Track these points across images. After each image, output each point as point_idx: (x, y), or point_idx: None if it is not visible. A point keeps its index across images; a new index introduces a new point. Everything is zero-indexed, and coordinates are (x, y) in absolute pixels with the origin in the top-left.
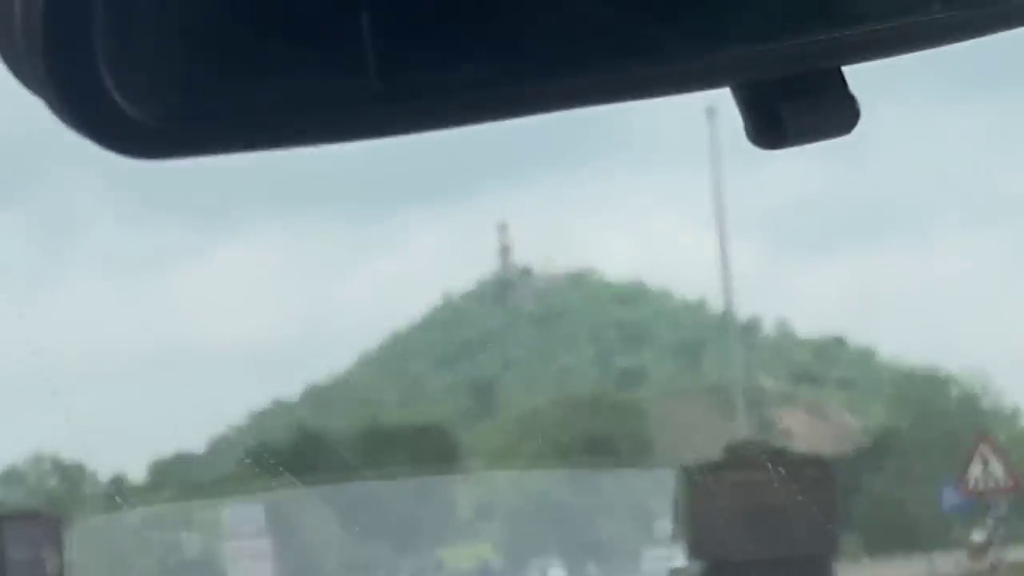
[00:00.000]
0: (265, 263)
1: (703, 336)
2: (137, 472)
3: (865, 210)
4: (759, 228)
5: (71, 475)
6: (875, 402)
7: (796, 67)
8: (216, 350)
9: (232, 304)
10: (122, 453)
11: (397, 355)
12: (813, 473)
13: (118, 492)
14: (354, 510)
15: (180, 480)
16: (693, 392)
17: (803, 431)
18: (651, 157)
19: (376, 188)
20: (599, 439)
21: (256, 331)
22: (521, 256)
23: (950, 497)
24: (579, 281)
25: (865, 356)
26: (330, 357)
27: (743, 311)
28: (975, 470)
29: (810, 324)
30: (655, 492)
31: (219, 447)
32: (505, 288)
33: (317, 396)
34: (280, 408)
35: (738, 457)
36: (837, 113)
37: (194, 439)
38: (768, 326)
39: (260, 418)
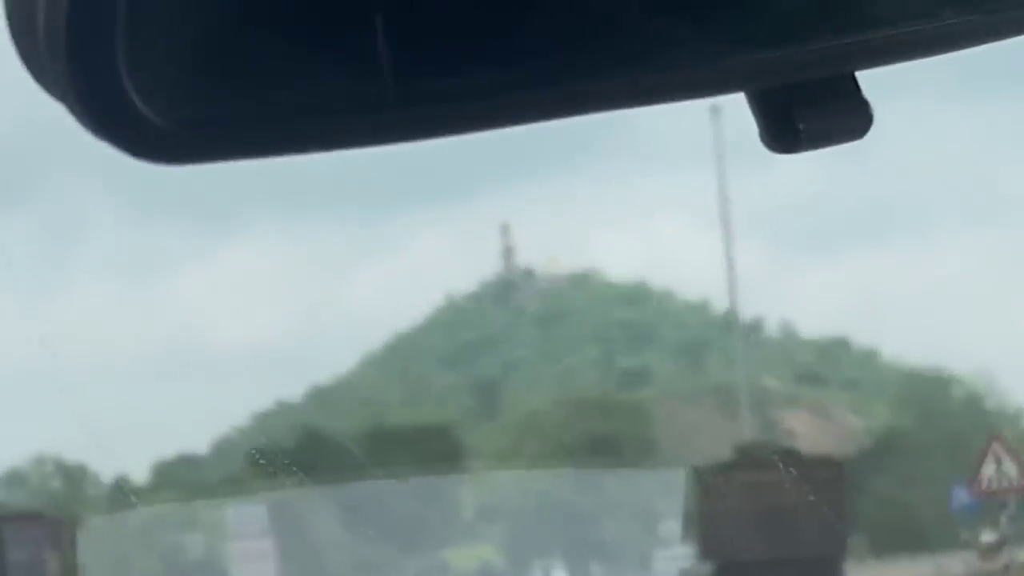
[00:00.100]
0: (268, 264)
1: (707, 337)
2: (140, 473)
3: (868, 210)
4: (761, 229)
5: (74, 476)
6: (879, 403)
7: (810, 72)
8: (219, 350)
9: (235, 305)
10: (125, 454)
11: (400, 356)
12: (823, 473)
13: (121, 493)
14: (357, 510)
15: (184, 481)
16: (697, 393)
17: (807, 431)
18: (655, 157)
19: (379, 189)
20: (603, 439)
21: (258, 332)
22: (524, 257)
23: (960, 497)
24: (582, 282)
25: (869, 357)
26: (333, 358)
27: (746, 311)
28: (988, 469)
29: (813, 325)
30: (660, 493)
31: (223, 448)
32: (508, 289)
33: (320, 397)
34: (283, 409)
35: (748, 457)
36: (851, 118)
37: (197, 440)
38: (771, 327)
39: (264, 419)
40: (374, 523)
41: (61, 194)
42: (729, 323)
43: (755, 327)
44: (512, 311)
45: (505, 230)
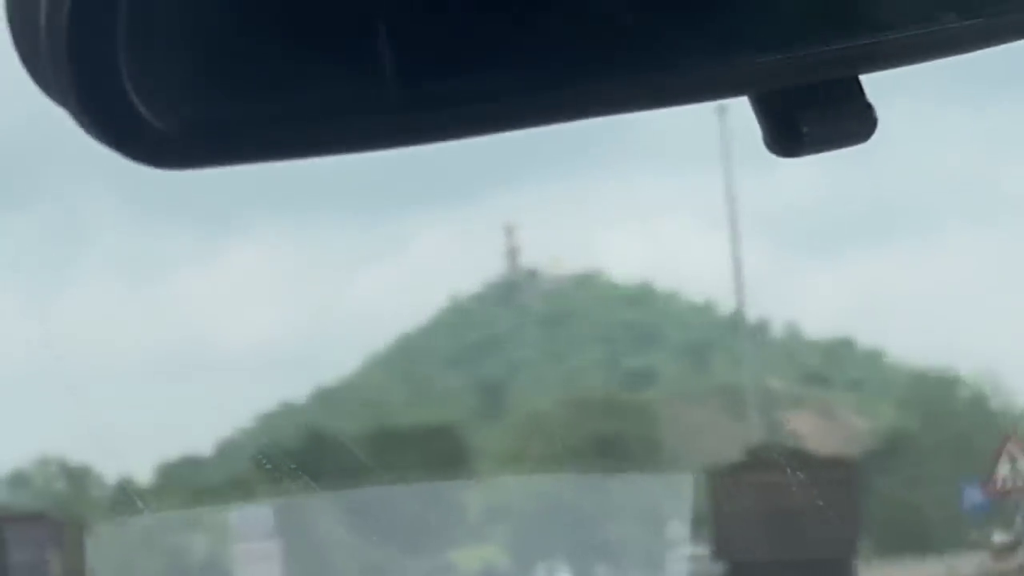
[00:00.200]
0: (271, 265)
1: (712, 338)
2: (145, 474)
3: (873, 211)
4: (765, 229)
5: (78, 477)
6: (885, 403)
7: (813, 76)
8: (222, 352)
9: (238, 306)
10: (129, 455)
11: (404, 357)
12: (834, 474)
13: (125, 495)
14: (362, 512)
15: (188, 483)
16: (702, 393)
17: (813, 432)
18: (660, 157)
19: (382, 190)
20: (609, 440)
21: (261, 333)
22: (528, 258)
23: (972, 497)
24: (587, 282)
25: (874, 357)
26: (337, 359)
27: (751, 312)
28: (1003, 469)
29: (819, 326)
30: (669, 494)
31: (227, 449)
32: (513, 289)
33: (325, 398)
34: (288, 410)
35: (758, 458)
36: (855, 121)
37: (202, 441)
38: (776, 327)
39: (268, 420)
40: (379, 525)
41: (63, 194)
42: (734, 324)
43: (760, 328)
44: (516, 312)
45: (509, 231)
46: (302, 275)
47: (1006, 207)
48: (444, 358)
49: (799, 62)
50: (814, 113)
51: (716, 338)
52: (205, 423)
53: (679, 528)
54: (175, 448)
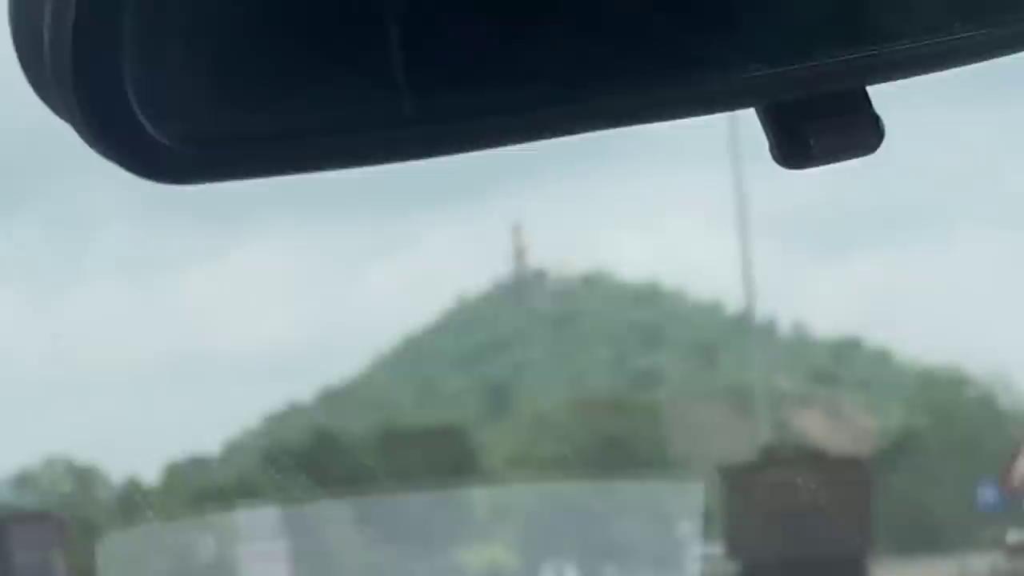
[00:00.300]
0: (278, 266)
1: (719, 337)
2: (152, 475)
3: (882, 211)
4: (773, 229)
5: (84, 478)
6: (894, 403)
7: (821, 87)
8: (229, 353)
9: (245, 307)
10: (136, 456)
11: (411, 358)
12: (847, 474)
13: (132, 495)
14: (368, 512)
15: (194, 483)
16: (710, 393)
17: (822, 432)
18: (668, 157)
19: (389, 190)
20: (617, 440)
21: (269, 334)
22: (536, 258)
23: (986, 496)
24: (594, 282)
25: (883, 357)
26: (344, 360)
27: (759, 312)
28: (1022, 467)
29: (827, 325)
30: (677, 495)
31: (233, 450)
32: (520, 290)
33: (332, 399)
34: (295, 411)
35: (771, 458)
36: (862, 133)
37: (208, 442)
38: (784, 327)
39: (275, 421)
40: (385, 526)
41: (69, 196)
42: (742, 324)
43: (767, 327)
44: (524, 312)
45: (517, 231)
46: (308, 275)
47: (1016, 208)
48: (451, 359)
49: (806, 74)
50: (821, 125)
51: (724, 338)
52: (212, 424)
53: (690, 528)
54: (182, 448)
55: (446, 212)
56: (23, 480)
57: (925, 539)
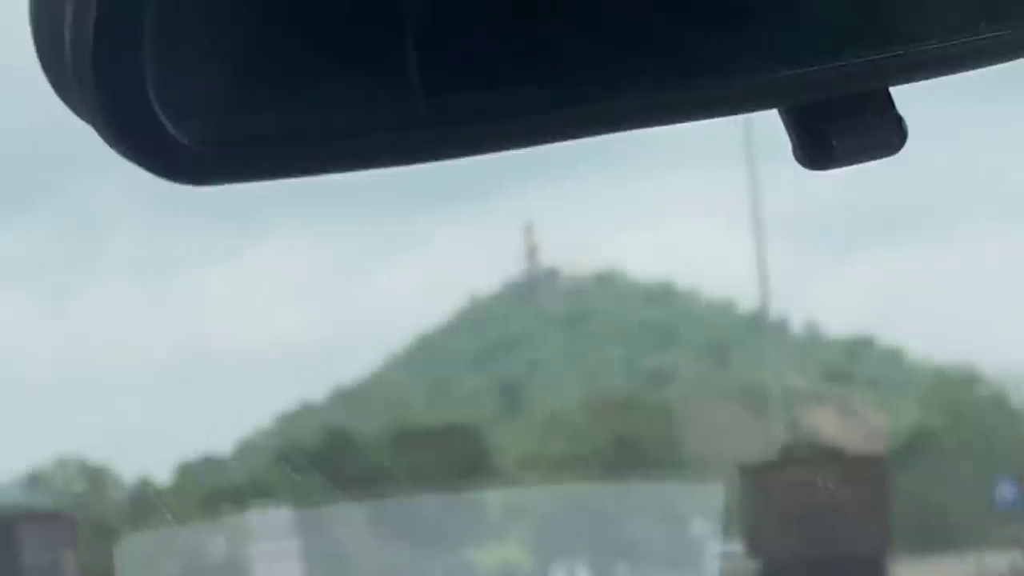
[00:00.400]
0: (290, 265)
1: (732, 336)
2: (164, 475)
3: (894, 209)
4: (785, 228)
5: (97, 478)
6: (907, 401)
7: (844, 88)
8: (242, 352)
9: (258, 307)
10: (148, 455)
11: (424, 357)
12: (865, 472)
13: (145, 495)
14: (382, 511)
15: (206, 483)
16: (722, 392)
17: (836, 431)
18: (680, 155)
19: (402, 189)
20: (631, 439)
21: (282, 334)
22: (548, 257)
23: (1005, 493)
24: (606, 281)
25: (895, 356)
26: (357, 360)
27: (772, 311)
28: None
29: (839, 324)
30: (695, 494)
31: (246, 449)
32: (532, 289)
33: (344, 398)
34: (308, 410)
35: (789, 457)
36: (885, 133)
37: (220, 441)
38: (797, 326)
39: (287, 420)
40: (399, 524)
41: (83, 197)
42: (754, 322)
43: (779, 326)
44: (536, 311)
45: (529, 230)
46: (321, 275)
47: None
48: (464, 358)
49: (829, 74)
50: (844, 125)
51: (736, 337)
52: (224, 423)
53: (709, 527)
54: (194, 448)
55: (458, 212)
56: (35, 480)
57: (942, 537)
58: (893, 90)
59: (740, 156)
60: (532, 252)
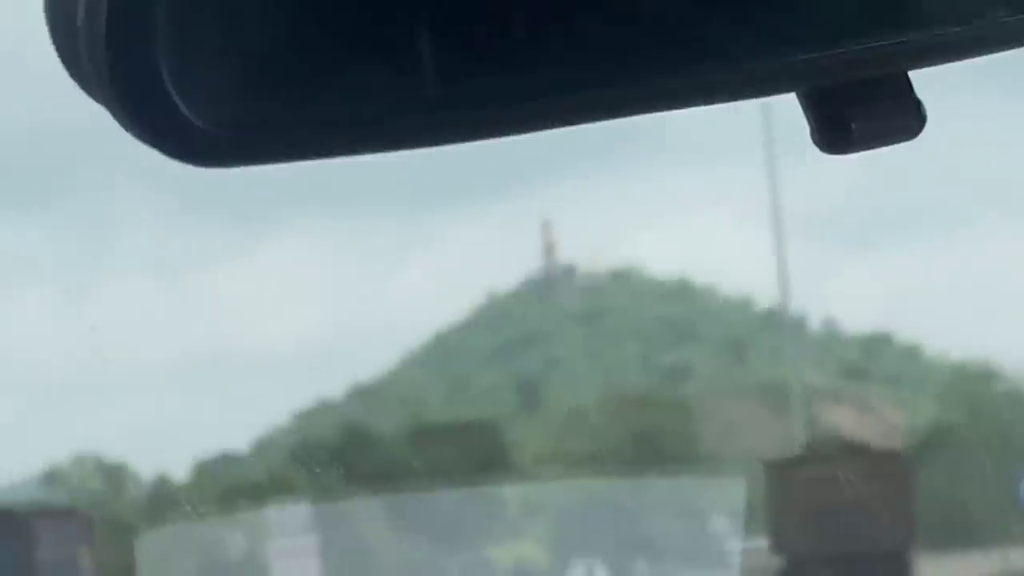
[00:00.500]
0: (306, 263)
1: (750, 333)
2: (181, 472)
3: (912, 205)
4: (802, 224)
5: (114, 475)
6: (926, 398)
7: (862, 72)
8: (259, 349)
9: (274, 304)
10: (166, 453)
11: (441, 354)
12: (888, 468)
13: (162, 492)
14: (400, 508)
15: (224, 480)
16: (741, 389)
17: (855, 428)
18: (698, 150)
19: (418, 186)
20: (648, 436)
21: (299, 330)
22: (565, 253)
23: None
24: (624, 278)
25: (913, 352)
26: (374, 356)
27: (790, 307)
28: None
29: (857, 321)
30: (715, 490)
31: (263, 446)
32: (549, 286)
33: (362, 395)
34: (325, 407)
35: (812, 453)
36: (904, 118)
37: (238, 438)
38: (814, 322)
39: (304, 417)
40: (417, 522)
41: (97, 192)
42: (772, 319)
43: (797, 323)
44: (553, 308)
45: (546, 227)
46: (338, 271)
47: None
48: (481, 355)
49: (848, 58)
50: (863, 109)
51: (754, 334)
52: (242, 420)
53: (731, 524)
54: (211, 445)
55: (475, 209)
56: (51, 477)
57: (965, 533)
58: (912, 74)
59: (757, 152)
60: (549, 249)
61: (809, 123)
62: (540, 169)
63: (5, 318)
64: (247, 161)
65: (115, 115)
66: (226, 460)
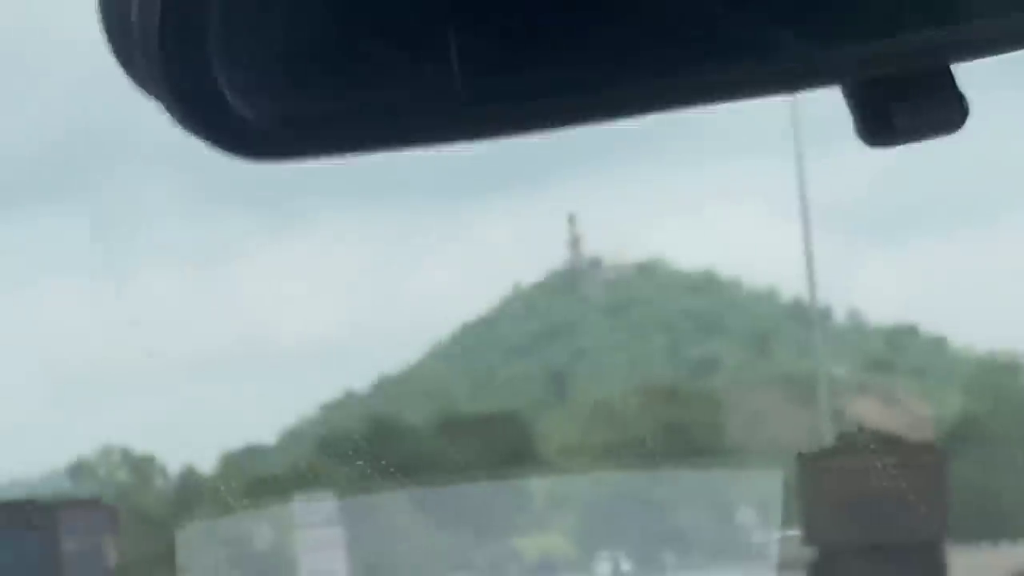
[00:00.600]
0: (335, 255)
1: (774, 326)
2: (208, 464)
3: (938, 198)
4: (828, 217)
5: (141, 467)
6: (951, 389)
7: (906, 66)
8: (286, 342)
9: (302, 296)
10: (193, 445)
11: (468, 346)
12: (921, 460)
13: (189, 484)
14: (427, 499)
15: (251, 471)
16: (767, 381)
17: (882, 420)
18: (725, 145)
19: (445, 179)
20: (676, 426)
21: (327, 323)
22: (591, 246)
23: None
24: (649, 271)
25: (938, 344)
26: (401, 349)
27: (815, 299)
28: None
29: (882, 313)
30: (749, 482)
31: (291, 438)
32: (575, 279)
33: (389, 387)
34: (352, 399)
35: (845, 444)
36: (946, 111)
37: (266, 430)
38: (840, 315)
39: (332, 409)
40: (444, 513)
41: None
42: (798, 311)
43: (823, 315)
44: (579, 301)
45: (572, 220)
46: (365, 264)
47: None
48: (507, 347)
49: (891, 52)
50: (906, 103)
51: (779, 326)
52: (269, 412)
53: (764, 514)
54: (240, 436)
55: (503, 203)
56: (79, 469)
57: (996, 524)
58: (954, 67)
59: (783, 146)
60: (575, 242)
61: (853, 116)
62: (566, 163)
63: (31, 311)
64: (290, 157)
65: (170, 111)
66: (253, 452)
